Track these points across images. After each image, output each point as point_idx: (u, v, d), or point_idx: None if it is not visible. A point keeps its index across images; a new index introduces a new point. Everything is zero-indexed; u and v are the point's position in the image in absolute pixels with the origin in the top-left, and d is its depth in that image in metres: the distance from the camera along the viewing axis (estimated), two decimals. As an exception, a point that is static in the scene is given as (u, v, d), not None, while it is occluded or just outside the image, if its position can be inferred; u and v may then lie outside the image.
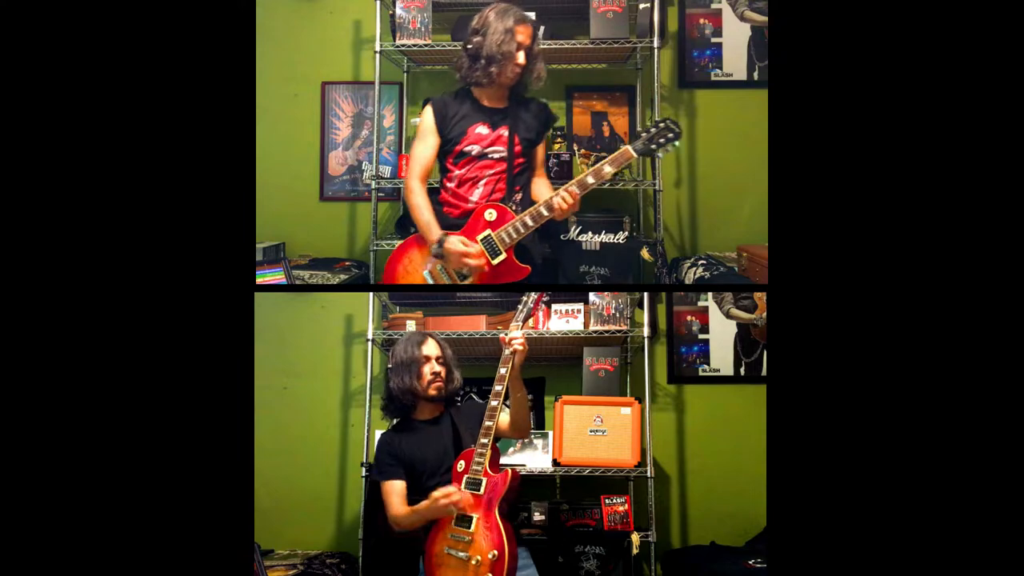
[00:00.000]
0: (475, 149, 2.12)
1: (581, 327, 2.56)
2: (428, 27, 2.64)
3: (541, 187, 2.21)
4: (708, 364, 2.84)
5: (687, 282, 2.64)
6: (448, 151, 2.15)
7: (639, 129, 2.12)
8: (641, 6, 2.62)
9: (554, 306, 2.58)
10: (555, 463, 2.52)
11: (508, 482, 1.91)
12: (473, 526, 1.88)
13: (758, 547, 2.56)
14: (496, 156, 2.13)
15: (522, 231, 2.06)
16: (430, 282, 2.14)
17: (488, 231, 2.07)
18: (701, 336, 2.85)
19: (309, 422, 2.85)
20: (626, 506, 2.52)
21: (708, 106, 2.96)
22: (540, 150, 2.22)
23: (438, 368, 2.08)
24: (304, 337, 2.90)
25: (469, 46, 2.11)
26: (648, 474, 2.46)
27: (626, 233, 2.61)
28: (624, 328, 2.55)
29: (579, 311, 2.58)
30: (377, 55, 2.69)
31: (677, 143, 2.03)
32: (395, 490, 2.01)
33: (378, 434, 2.15)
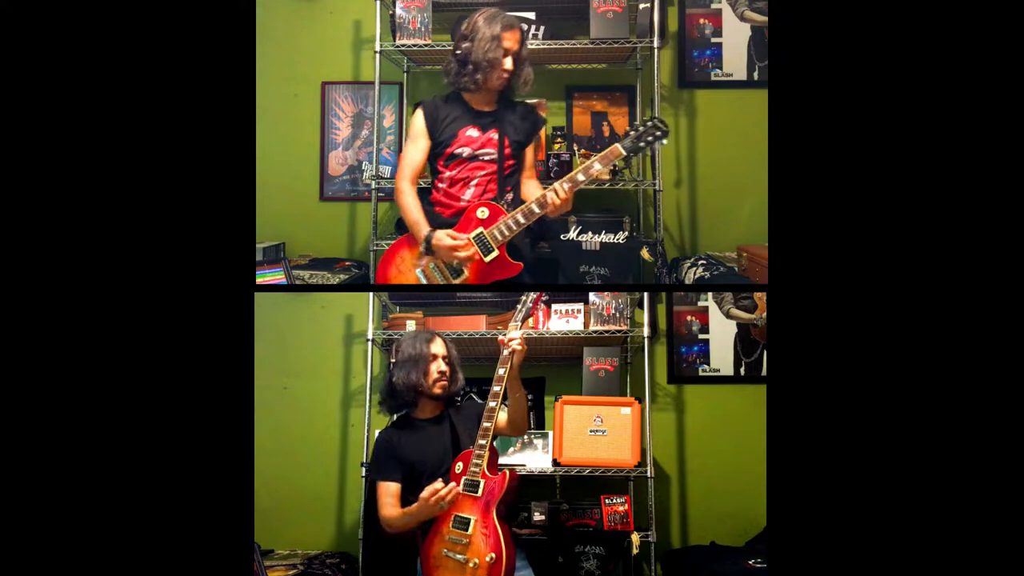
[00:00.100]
0: (466, 151, 2.15)
1: (581, 327, 2.56)
2: (428, 27, 2.64)
3: (531, 188, 2.24)
4: (708, 364, 2.84)
5: (687, 282, 2.64)
6: (439, 153, 2.18)
7: (628, 128, 2.15)
8: (641, 6, 2.62)
9: (554, 306, 2.58)
10: (555, 463, 2.51)
11: (506, 484, 1.91)
12: (471, 528, 1.88)
13: (758, 547, 2.56)
14: (487, 158, 2.16)
15: (514, 228, 2.08)
16: (423, 281, 2.16)
17: (480, 229, 2.09)
18: (701, 336, 2.85)
19: (309, 422, 2.85)
20: (626, 506, 2.52)
21: (708, 106, 2.96)
22: (529, 152, 2.25)
23: (444, 367, 2.09)
24: (304, 337, 2.90)
25: (458, 51, 2.14)
26: (648, 474, 2.46)
27: (626, 233, 2.61)
28: (624, 328, 2.56)
29: (579, 311, 2.58)
30: (377, 55, 2.69)
31: (664, 141, 2.08)
32: (389, 491, 2.00)
33: (377, 433, 2.15)
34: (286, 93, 3.02)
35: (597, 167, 2.04)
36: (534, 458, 2.57)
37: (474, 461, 1.93)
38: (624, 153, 2.05)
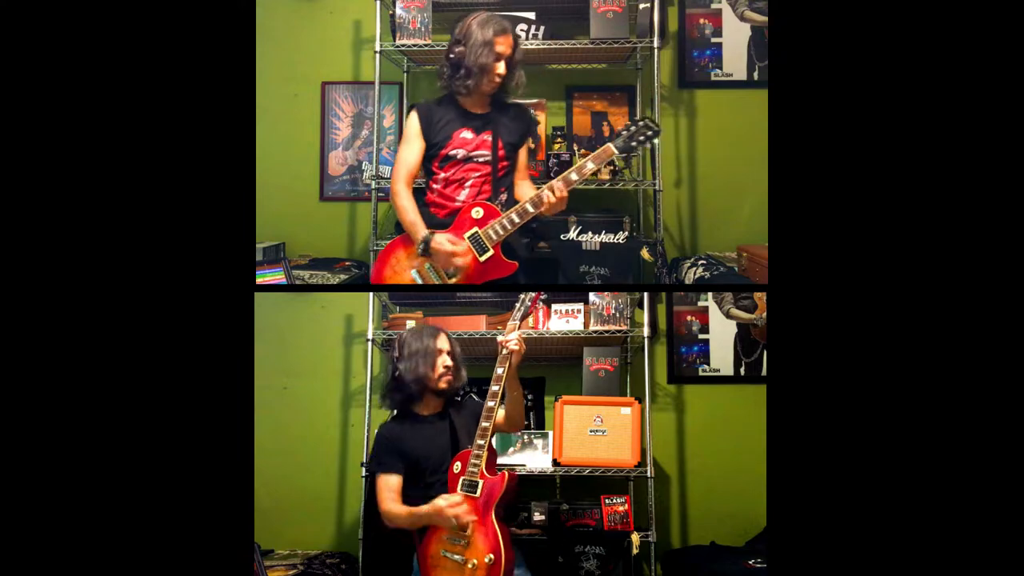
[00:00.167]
0: (460, 153, 2.17)
1: (581, 327, 2.56)
2: (428, 27, 2.64)
3: (525, 188, 2.25)
4: (708, 364, 2.84)
5: (687, 282, 2.64)
6: (434, 155, 2.20)
7: (620, 128, 2.17)
8: (641, 6, 2.62)
9: (554, 306, 2.58)
10: (555, 463, 2.51)
11: (505, 484, 1.90)
12: (470, 529, 1.87)
13: (758, 547, 2.56)
14: (481, 160, 2.18)
15: (509, 228, 2.09)
16: (418, 281, 2.17)
17: (475, 228, 2.10)
18: (701, 336, 2.85)
19: (309, 422, 2.85)
20: (626, 506, 2.52)
21: (708, 106, 2.96)
22: (523, 153, 2.27)
23: (449, 362, 2.08)
24: (304, 337, 2.90)
25: (452, 55, 2.16)
26: (648, 474, 2.46)
27: (626, 233, 2.61)
28: (624, 328, 2.56)
29: (579, 311, 2.58)
30: (377, 55, 2.69)
31: (656, 140, 2.13)
32: (389, 485, 1.99)
33: (378, 426, 2.13)
34: (286, 93, 3.02)
35: (590, 166, 2.08)
36: (534, 458, 2.57)
37: (473, 461, 1.93)
38: (616, 152, 2.09)
